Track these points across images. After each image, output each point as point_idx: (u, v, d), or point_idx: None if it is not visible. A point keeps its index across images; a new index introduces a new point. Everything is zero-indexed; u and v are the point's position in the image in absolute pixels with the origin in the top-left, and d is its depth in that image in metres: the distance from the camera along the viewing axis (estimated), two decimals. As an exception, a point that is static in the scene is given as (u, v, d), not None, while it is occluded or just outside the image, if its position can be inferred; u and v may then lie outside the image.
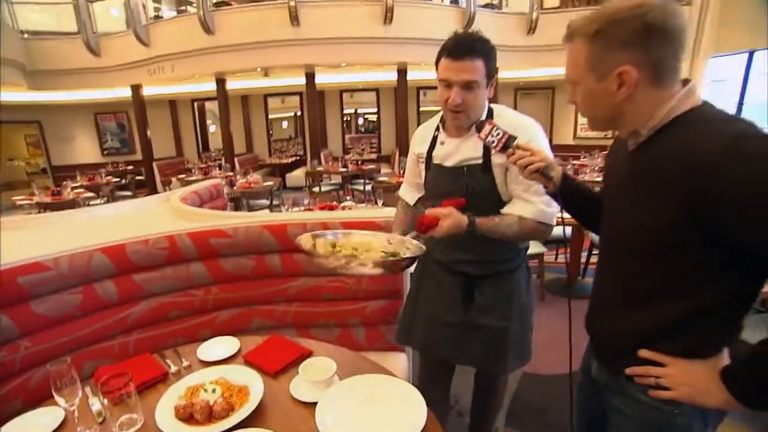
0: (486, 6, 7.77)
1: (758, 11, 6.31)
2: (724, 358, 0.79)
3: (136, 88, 8.11)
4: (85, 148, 10.30)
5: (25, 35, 7.72)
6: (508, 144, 1.02)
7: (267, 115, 11.13)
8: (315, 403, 1.00)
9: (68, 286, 1.42)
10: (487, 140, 1.04)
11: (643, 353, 0.81)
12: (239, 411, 0.98)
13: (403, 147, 7.81)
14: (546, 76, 8.76)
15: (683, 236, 0.72)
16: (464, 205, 1.15)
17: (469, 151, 1.23)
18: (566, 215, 1.06)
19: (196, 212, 2.09)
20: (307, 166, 8.22)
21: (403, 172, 1.52)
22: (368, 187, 6.66)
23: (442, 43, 1.19)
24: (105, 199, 6.33)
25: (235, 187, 5.17)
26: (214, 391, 1.02)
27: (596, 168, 5.26)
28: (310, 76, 7.52)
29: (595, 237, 1.19)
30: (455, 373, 1.59)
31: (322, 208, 3.41)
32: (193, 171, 7.04)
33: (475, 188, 1.22)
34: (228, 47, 6.68)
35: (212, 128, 11.79)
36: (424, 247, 1.11)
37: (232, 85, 8.38)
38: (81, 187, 6.49)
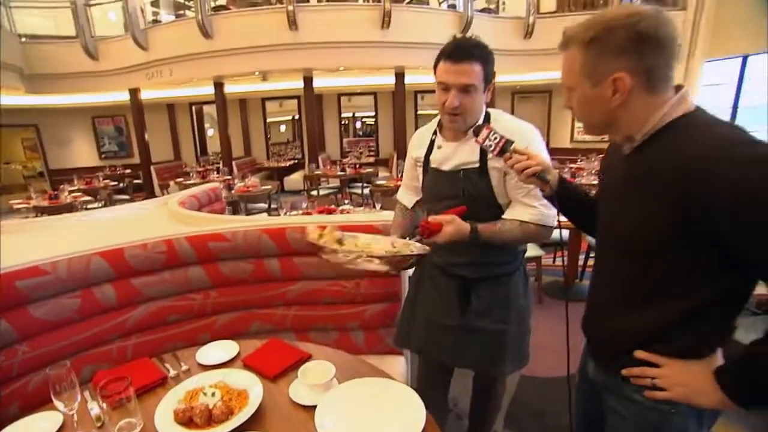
0: (483, 10, 7.84)
1: (753, 16, 6.38)
2: (718, 359, 0.80)
3: (134, 92, 8.10)
4: (82, 152, 10.27)
5: (23, 39, 7.71)
6: (505, 148, 1.03)
7: (265, 119, 11.13)
8: (314, 407, 1.00)
9: (67, 290, 1.42)
10: (485, 144, 1.05)
11: (639, 354, 0.83)
12: (239, 415, 0.98)
13: (401, 150, 7.84)
14: (543, 80, 8.80)
15: (677, 239, 0.73)
16: (464, 213, 1.16)
17: (466, 156, 1.24)
18: (563, 218, 1.08)
19: (194, 216, 2.10)
20: (305, 169, 8.21)
21: (401, 176, 1.54)
22: (366, 191, 6.67)
23: (439, 47, 1.20)
24: (103, 202, 6.31)
25: (233, 191, 5.17)
26: (213, 394, 1.02)
27: (593, 171, 5.28)
28: (308, 80, 7.54)
29: (593, 240, 1.20)
30: (453, 376, 1.60)
31: (320, 212, 3.42)
32: (191, 175, 7.03)
33: (472, 192, 1.24)
34: (226, 51, 6.69)
35: (210, 132, 11.78)
36: (428, 248, 1.12)
37: (230, 88, 8.39)
38: (78, 190, 6.46)
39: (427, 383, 1.55)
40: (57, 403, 0.96)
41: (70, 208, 5.31)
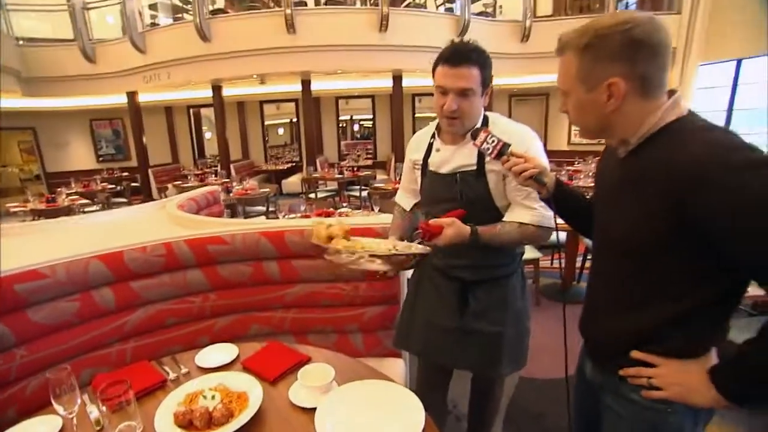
0: (480, 14, 7.88)
1: (746, 20, 6.45)
2: (713, 358, 0.81)
3: (131, 95, 8.10)
4: (79, 155, 10.24)
5: (20, 42, 7.70)
6: (502, 151, 1.04)
7: (263, 122, 11.14)
8: (314, 409, 1.00)
9: (65, 293, 1.42)
10: (482, 147, 1.07)
11: (635, 354, 0.84)
12: (239, 417, 0.98)
13: (399, 153, 7.85)
14: (540, 83, 8.86)
15: (673, 242, 0.74)
16: (463, 216, 1.17)
17: (464, 159, 1.25)
18: (560, 221, 1.09)
19: (193, 219, 2.10)
20: (303, 172, 8.22)
21: (399, 179, 1.55)
22: (364, 193, 6.68)
23: (437, 50, 1.21)
24: (100, 205, 6.29)
25: (231, 194, 5.17)
26: (213, 397, 1.02)
27: (590, 173, 5.30)
28: (306, 83, 7.56)
29: (590, 242, 1.21)
30: (453, 378, 1.60)
31: (318, 215, 3.43)
32: (189, 177, 7.03)
33: (469, 195, 1.25)
34: (224, 55, 6.70)
35: (208, 135, 11.78)
36: (429, 249, 1.13)
37: (228, 91, 8.40)
38: (76, 193, 6.45)
39: (427, 385, 1.56)
40: (57, 406, 0.95)
41: (67, 211, 5.29)
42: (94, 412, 1.06)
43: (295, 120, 11.19)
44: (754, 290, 0.77)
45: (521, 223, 1.21)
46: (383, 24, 6.50)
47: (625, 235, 0.82)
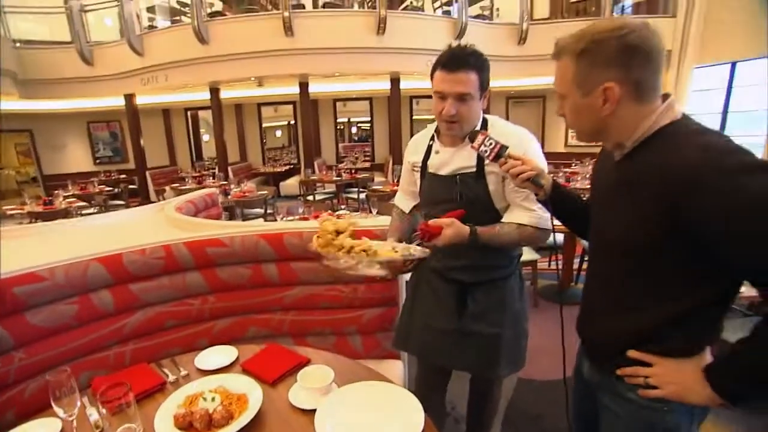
0: (477, 17, 7.92)
1: (740, 24, 6.52)
2: (707, 357, 0.82)
3: (129, 97, 8.10)
4: (77, 157, 10.22)
5: (17, 44, 7.69)
6: (500, 153, 1.05)
7: (261, 124, 11.15)
8: (314, 411, 1.01)
9: (64, 296, 1.41)
10: (480, 150, 1.08)
11: (632, 354, 0.85)
12: (239, 419, 0.98)
13: (397, 155, 7.87)
14: (537, 85, 8.90)
15: (668, 244, 0.76)
16: (463, 216, 1.18)
17: (464, 160, 1.26)
18: (557, 222, 1.10)
19: (191, 221, 2.10)
20: (301, 174, 8.23)
21: (397, 181, 1.56)
22: (362, 196, 6.69)
23: (434, 52, 1.22)
24: (98, 208, 6.27)
25: (229, 197, 5.16)
26: (213, 399, 1.03)
27: (587, 175, 5.34)
28: (303, 86, 7.57)
29: (587, 243, 1.22)
30: (451, 379, 1.61)
31: (317, 217, 3.43)
32: (187, 180, 7.02)
33: (469, 196, 1.26)
34: (222, 57, 6.71)
35: (206, 137, 11.78)
36: (428, 251, 1.13)
37: (226, 94, 8.40)
38: (73, 196, 6.43)
39: (426, 386, 1.56)
40: (56, 409, 0.95)
41: (65, 213, 5.27)
42: (93, 414, 1.06)
43: (292, 122, 11.21)
44: (749, 291, 0.79)
45: (520, 224, 1.22)
46: (381, 27, 6.53)
47: (620, 237, 0.84)
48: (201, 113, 11.25)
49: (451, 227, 1.14)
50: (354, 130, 12.08)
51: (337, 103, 11.01)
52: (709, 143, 0.72)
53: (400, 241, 1.40)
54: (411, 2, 8.73)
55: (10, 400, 1.28)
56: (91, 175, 8.80)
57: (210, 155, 11.02)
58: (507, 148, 1.05)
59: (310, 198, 6.97)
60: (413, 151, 1.44)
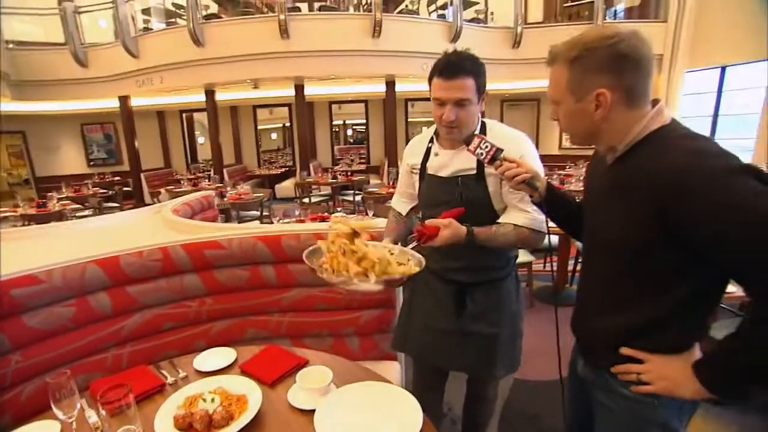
0: (472, 20, 7.98)
1: (730, 29, 6.63)
2: (696, 353, 0.85)
3: (124, 99, 8.05)
4: (70, 159, 10.15)
5: (10, 45, 7.63)
6: (495, 156, 1.07)
7: (256, 126, 11.14)
8: (313, 411, 1.02)
9: (61, 298, 1.41)
10: (476, 153, 1.09)
11: (624, 351, 0.88)
12: (238, 420, 0.99)
13: (392, 158, 7.90)
14: (531, 88, 8.98)
15: (658, 245, 0.79)
16: (461, 215, 1.19)
17: (463, 162, 1.27)
18: (552, 224, 1.12)
19: (188, 224, 2.10)
20: (296, 177, 8.22)
21: (393, 183, 1.56)
22: (358, 198, 6.70)
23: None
24: (93, 210, 6.23)
25: (225, 199, 5.15)
26: (213, 400, 1.03)
27: (581, 177, 5.38)
28: (299, 88, 7.58)
29: (581, 244, 1.25)
30: (448, 380, 1.62)
31: (313, 220, 3.44)
32: (182, 182, 6.99)
33: (469, 197, 1.27)
34: (218, 59, 6.71)
35: (201, 139, 11.74)
36: (423, 261, 1.11)
37: (221, 96, 8.39)
38: (67, 198, 6.38)
39: (423, 386, 1.57)
40: (56, 411, 0.96)
41: (59, 216, 5.23)
42: (92, 416, 1.06)
43: (288, 125, 11.21)
44: (739, 291, 0.81)
45: (516, 225, 1.24)
46: (376, 30, 6.56)
47: (612, 239, 0.86)
48: (196, 115, 11.22)
49: (449, 228, 1.15)
50: (349, 132, 12.09)
51: (333, 106, 11.03)
52: (696, 148, 0.75)
53: (395, 242, 1.41)
54: (406, 5, 8.77)
55: (7, 403, 1.28)
56: (84, 177, 8.76)
57: (205, 157, 10.99)
58: (502, 151, 1.07)
59: (306, 200, 6.97)
60: (412, 153, 1.46)
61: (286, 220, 3.52)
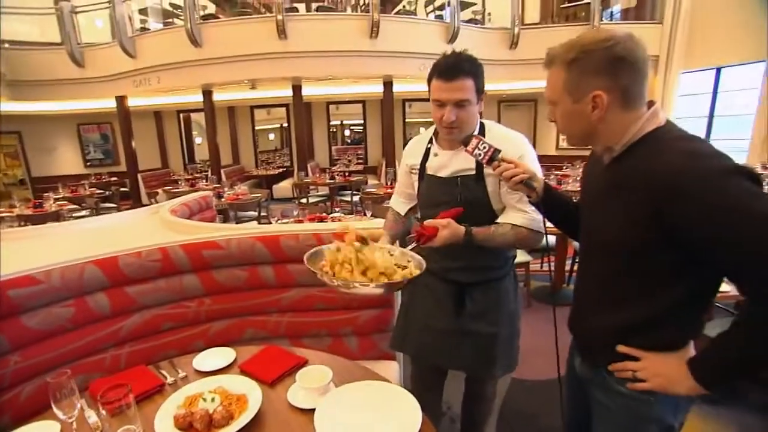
0: (470, 21, 8.00)
1: (725, 31, 6.69)
2: (691, 350, 0.87)
3: (120, 99, 8.02)
4: (66, 159, 10.10)
5: (6, 45, 7.59)
6: (493, 157, 1.08)
7: (253, 127, 11.13)
8: (312, 410, 1.02)
9: (60, 299, 1.41)
10: (474, 153, 1.10)
11: (621, 348, 0.89)
12: (239, 419, 1.00)
13: (390, 158, 7.90)
14: (528, 89, 9.00)
15: (654, 245, 0.80)
16: (460, 215, 1.20)
17: (463, 163, 1.28)
18: (549, 225, 1.13)
19: (186, 224, 2.10)
20: (294, 177, 8.22)
21: (390, 183, 1.57)
22: (356, 198, 6.70)
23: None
24: (89, 211, 6.20)
25: (223, 199, 5.15)
26: (213, 399, 1.03)
27: (578, 178, 5.41)
28: (297, 89, 7.58)
29: (578, 244, 1.26)
30: (447, 379, 1.63)
31: (311, 220, 3.44)
32: (180, 183, 6.98)
33: (468, 197, 1.28)
34: (215, 60, 6.69)
35: (198, 140, 11.71)
36: (424, 263, 1.12)
37: (219, 96, 8.37)
38: (63, 198, 6.35)
39: (423, 385, 1.58)
40: (56, 411, 0.96)
41: (55, 216, 5.20)
42: (92, 417, 1.06)
43: (285, 125, 11.19)
44: (735, 291, 0.83)
45: (514, 225, 1.25)
46: (374, 30, 6.56)
47: (609, 239, 0.88)
48: (193, 116, 11.19)
49: (447, 228, 1.16)
50: (347, 132, 12.10)
51: (330, 106, 11.03)
52: (691, 149, 0.76)
53: (393, 239, 1.42)
54: (404, 6, 8.79)
55: (6, 403, 1.28)
56: (81, 178, 8.71)
57: (202, 158, 10.97)
58: (500, 151, 1.08)
59: (304, 201, 6.97)
60: (411, 154, 1.47)
61: (284, 221, 3.52)
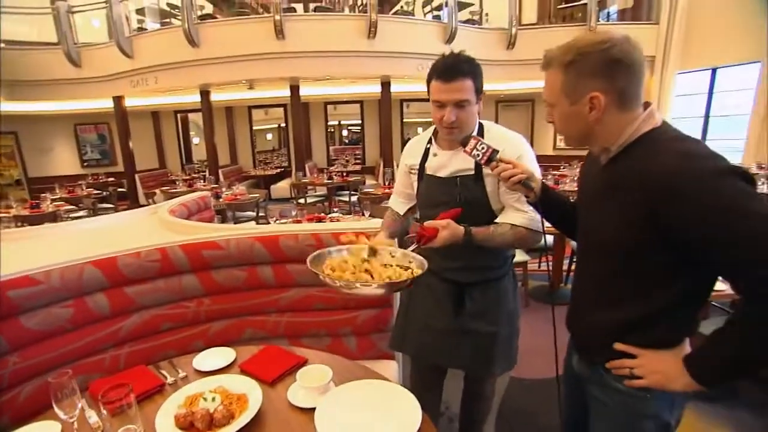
0: (467, 22, 8.01)
1: (721, 32, 6.73)
2: (686, 348, 0.88)
3: (118, 100, 8.00)
4: (63, 160, 10.06)
5: (2, 45, 7.55)
6: (492, 157, 1.09)
7: (251, 127, 11.11)
8: (313, 409, 1.03)
9: (59, 299, 1.41)
10: (473, 154, 1.11)
11: (618, 346, 0.90)
12: (239, 418, 1.00)
13: (388, 158, 7.91)
14: (526, 89, 9.02)
15: (650, 245, 0.81)
16: (459, 215, 1.21)
17: (462, 163, 1.29)
18: (547, 224, 1.14)
19: (185, 224, 2.10)
20: (292, 177, 8.21)
21: (388, 184, 1.58)
22: (354, 198, 6.70)
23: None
24: (87, 211, 6.18)
25: (221, 199, 5.14)
26: (213, 399, 1.04)
27: (575, 178, 5.44)
28: (294, 89, 7.57)
29: (575, 244, 1.28)
30: (446, 378, 1.64)
31: (310, 220, 3.45)
32: (177, 183, 6.96)
33: (468, 197, 1.29)
34: (213, 60, 6.68)
35: (196, 140, 11.68)
36: (426, 263, 1.12)
37: (216, 96, 8.36)
38: (60, 199, 6.33)
39: (422, 385, 1.59)
40: (57, 411, 0.96)
41: (53, 217, 5.19)
42: (93, 417, 1.06)
43: (283, 125, 11.18)
44: (730, 290, 0.84)
45: (513, 225, 1.26)
46: (372, 31, 6.57)
47: (606, 238, 0.89)
48: (191, 116, 11.16)
49: (447, 228, 1.17)
50: (345, 133, 12.09)
51: (328, 106, 11.03)
52: (686, 150, 0.77)
53: (392, 236, 1.43)
54: (401, 6, 8.79)
55: (5, 404, 1.28)
56: (78, 178, 8.68)
57: (200, 158, 10.93)
58: (498, 152, 1.09)
59: (302, 201, 6.97)
60: (410, 154, 1.47)
61: (283, 221, 3.52)
